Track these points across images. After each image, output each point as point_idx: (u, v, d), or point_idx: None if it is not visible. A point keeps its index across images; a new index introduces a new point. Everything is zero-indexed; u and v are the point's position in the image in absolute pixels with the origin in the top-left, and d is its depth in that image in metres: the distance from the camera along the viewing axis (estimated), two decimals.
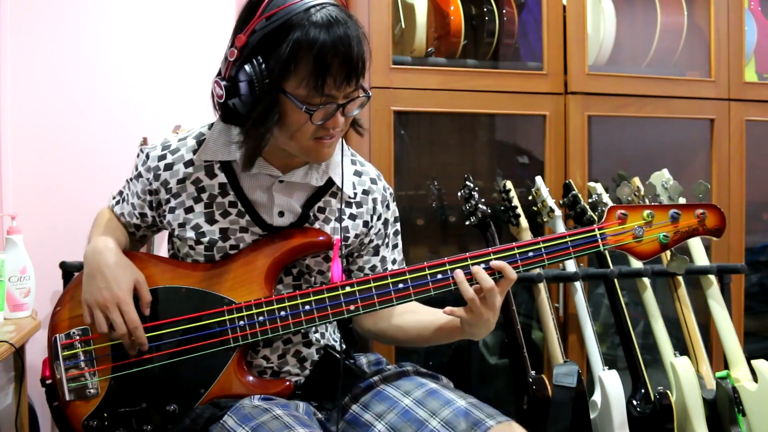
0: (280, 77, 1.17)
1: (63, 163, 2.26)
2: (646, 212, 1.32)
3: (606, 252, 2.14)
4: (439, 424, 1.23)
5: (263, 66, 1.16)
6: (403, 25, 2.27)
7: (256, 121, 1.20)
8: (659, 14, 2.40)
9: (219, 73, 1.23)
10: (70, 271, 2.05)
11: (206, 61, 2.40)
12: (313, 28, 1.14)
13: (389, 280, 1.28)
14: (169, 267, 1.35)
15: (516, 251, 1.28)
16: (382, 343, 1.54)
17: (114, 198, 1.47)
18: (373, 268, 1.46)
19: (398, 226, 1.51)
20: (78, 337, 1.31)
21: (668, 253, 1.34)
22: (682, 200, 1.41)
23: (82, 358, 1.30)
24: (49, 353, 1.34)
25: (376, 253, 1.46)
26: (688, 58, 2.48)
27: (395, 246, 1.51)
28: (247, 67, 1.16)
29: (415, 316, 1.42)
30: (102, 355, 1.30)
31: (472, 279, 1.25)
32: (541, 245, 1.29)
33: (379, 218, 1.44)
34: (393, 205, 1.49)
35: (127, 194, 1.42)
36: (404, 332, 1.43)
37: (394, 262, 1.50)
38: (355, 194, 1.41)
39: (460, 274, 1.25)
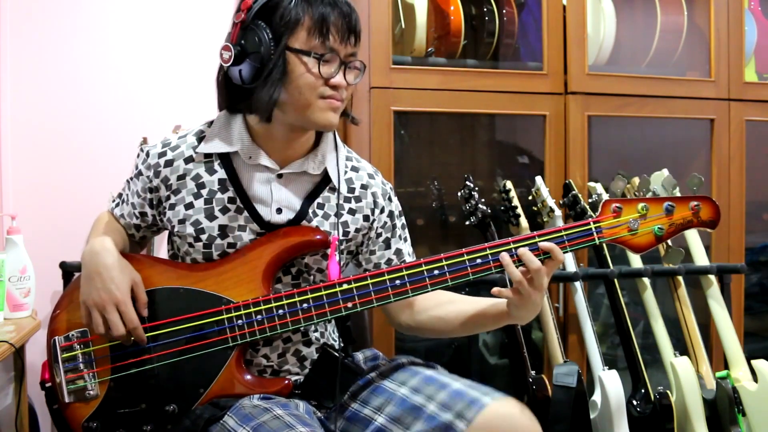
0: (285, 34, 1.23)
1: (63, 163, 2.26)
2: (640, 205, 1.32)
3: (605, 251, 2.15)
4: (437, 406, 1.24)
5: (267, 29, 1.23)
6: (403, 25, 2.27)
7: (270, 74, 1.24)
8: (659, 14, 2.40)
9: (225, 41, 1.28)
10: (70, 271, 2.05)
11: (206, 61, 2.40)
12: None
13: (386, 277, 1.29)
14: (167, 267, 1.36)
15: (512, 246, 1.28)
16: (422, 336, 1.52)
17: (114, 201, 1.47)
18: (389, 262, 1.47)
19: (404, 219, 1.52)
20: (77, 339, 1.31)
21: (664, 245, 1.34)
22: (676, 193, 1.42)
23: (81, 359, 1.30)
24: (49, 356, 1.34)
25: (387, 246, 1.47)
26: (688, 58, 2.48)
27: (406, 239, 1.52)
28: (252, 28, 1.23)
29: (455, 306, 1.42)
30: (101, 357, 1.31)
31: (517, 261, 1.27)
32: (537, 240, 1.29)
33: (382, 211, 1.45)
34: (395, 199, 1.50)
35: (127, 194, 1.42)
36: (446, 323, 1.43)
37: (410, 254, 1.51)
38: (353, 189, 1.42)
39: (506, 257, 1.27)
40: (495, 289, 1.29)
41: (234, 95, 1.31)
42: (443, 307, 1.44)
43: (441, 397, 1.26)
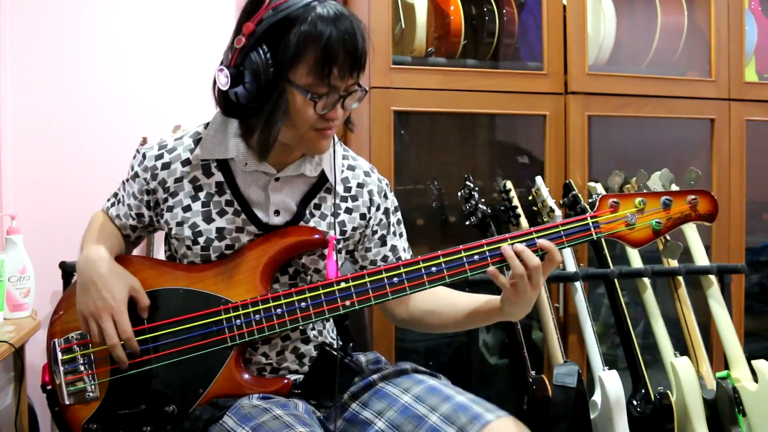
0: (287, 66, 1.19)
1: (63, 163, 2.26)
2: (637, 200, 1.32)
3: (606, 251, 2.15)
4: (439, 419, 1.24)
5: (269, 55, 1.18)
6: (403, 25, 2.27)
7: (269, 112, 1.21)
8: (659, 14, 2.40)
9: (222, 62, 1.25)
10: (69, 271, 2.05)
11: (206, 61, 2.40)
12: (320, 20, 1.18)
13: (384, 275, 1.29)
14: (165, 269, 1.35)
15: (509, 242, 1.27)
16: (417, 329, 1.52)
17: (108, 200, 1.47)
18: (385, 258, 1.47)
19: (399, 215, 1.52)
20: (76, 341, 1.31)
21: (662, 240, 1.34)
22: (674, 187, 1.41)
23: (81, 361, 1.30)
24: (49, 358, 1.33)
25: (383, 243, 1.47)
26: (688, 58, 2.47)
27: (401, 234, 1.51)
28: (253, 56, 1.19)
29: (449, 300, 1.42)
30: (100, 358, 1.30)
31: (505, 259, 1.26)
32: (534, 236, 1.28)
33: (377, 209, 1.45)
34: (391, 195, 1.50)
35: (123, 195, 1.42)
36: (439, 317, 1.43)
37: (405, 250, 1.51)
38: (350, 188, 1.42)
39: (508, 249, 1.25)
40: (491, 269, 1.26)
41: (230, 107, 1.27)
42: (438, 301, 1.43)
43: (444, 410, 1.25)
